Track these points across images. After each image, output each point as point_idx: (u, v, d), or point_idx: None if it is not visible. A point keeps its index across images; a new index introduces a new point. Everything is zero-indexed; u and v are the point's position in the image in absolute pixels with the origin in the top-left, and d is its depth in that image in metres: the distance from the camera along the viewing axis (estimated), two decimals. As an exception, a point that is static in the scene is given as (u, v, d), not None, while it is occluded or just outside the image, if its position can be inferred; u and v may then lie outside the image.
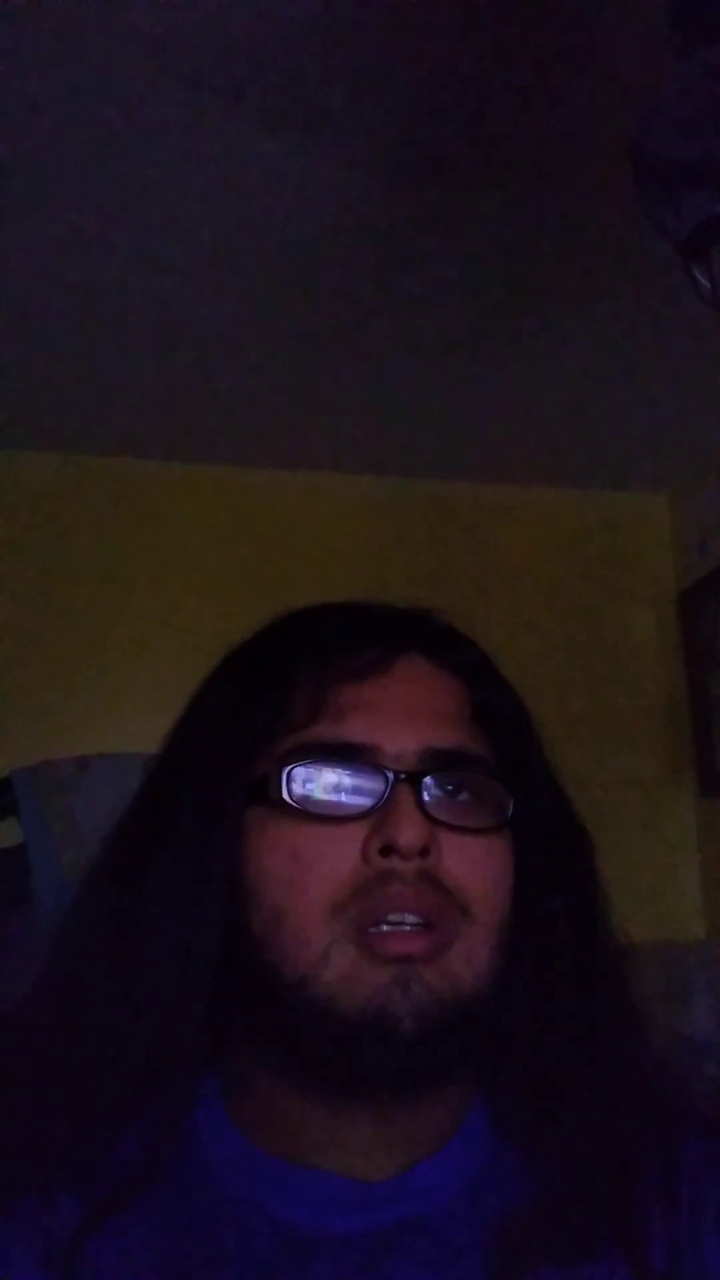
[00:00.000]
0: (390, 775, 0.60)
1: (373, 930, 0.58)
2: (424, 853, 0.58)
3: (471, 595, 1.99)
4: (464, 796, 0.62)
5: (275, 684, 0.64)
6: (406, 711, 0.63)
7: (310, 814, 0.60)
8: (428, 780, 0.60)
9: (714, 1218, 0.60)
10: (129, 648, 2.03)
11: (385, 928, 0.58)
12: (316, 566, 2.09)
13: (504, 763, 0.65)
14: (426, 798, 0.60)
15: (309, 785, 0.60)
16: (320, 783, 0.60)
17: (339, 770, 0.60)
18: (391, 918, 0.58)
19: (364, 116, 1.30)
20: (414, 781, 0.60)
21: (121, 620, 2.05)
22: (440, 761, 0.61)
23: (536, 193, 1.43)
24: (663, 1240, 0.60)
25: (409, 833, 0.58)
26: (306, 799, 0.60)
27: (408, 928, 0.58)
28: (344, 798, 0.60)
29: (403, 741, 0.61)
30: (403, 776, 0.60)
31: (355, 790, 0.60)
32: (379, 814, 0.59)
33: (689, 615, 2.24)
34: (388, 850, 0.58)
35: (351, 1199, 0.59)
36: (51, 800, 1.58)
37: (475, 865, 0.61)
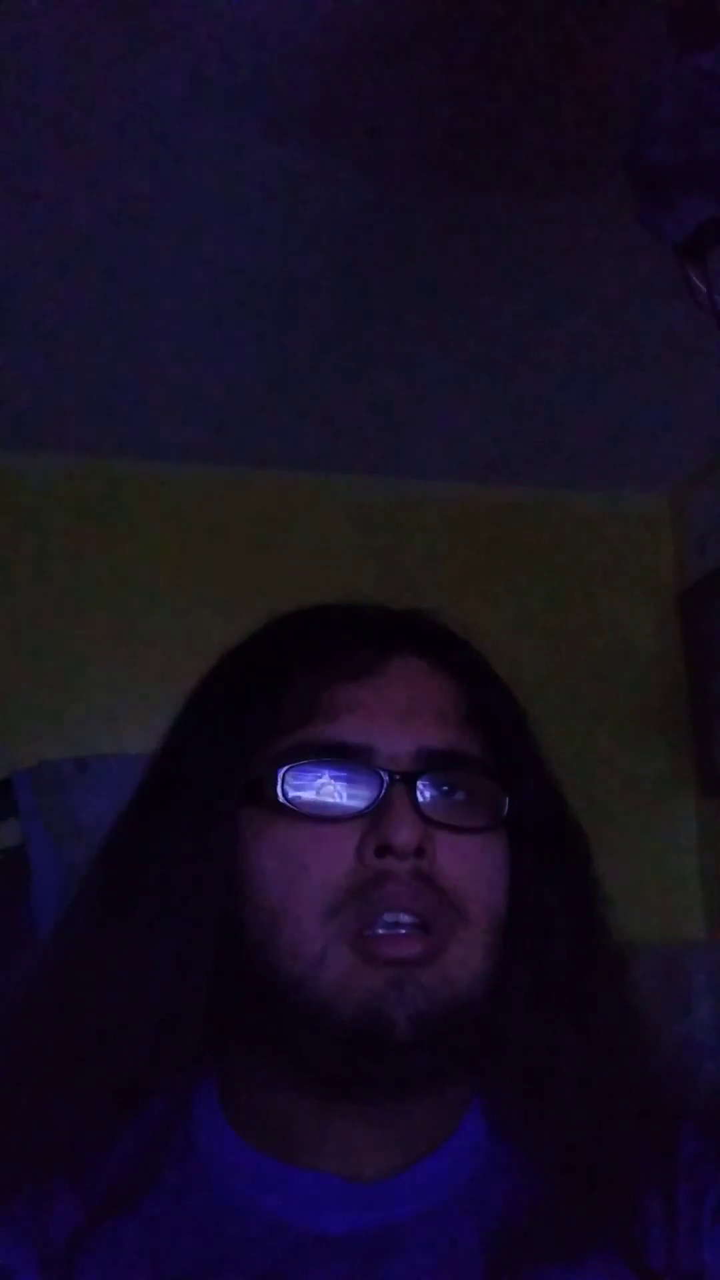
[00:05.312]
0: (385, 776, 0.60)
1: (368, 933, 0.58)
2: (419, 853, 0.58)
3: (471, 595, 1.98)
4: (459, 796, 0.62)
5: (270, 685, 0.64)
6: (401, 711, 0.63)
7: (305, 815, 0.60)
8: (422, 780, 0.60)
9: (711, 1215, 0.60)
10: (129, 648, 2.03)
11: (381, 930, 0.58)
12: (315, 567, 2.09)
13: (499, 762, 0.65)
14: (421, 798, 0.60)
15: (303, 786, 0.60)
16: (315, 784, 0.60)
17: (333, 771, 0.60)
18: (387, 918, 0.58)
19: (361, 117, 1.30)
20: (409, 782, 0.60)
21: (121, 621, 2.04)
22: (435, 761, 0.61)
23: (534, 193, 1.43)
24: (660, 1238, 0.60)
25: (404, 833, 0.58)
26: (301, 800, 0.60)
27: (403, 930, 0.58)
28: (339, 798, 0.60)
29: (397, 742, 0.61)
30: (397, 777, 0.60)
31: (350, 791, 0.60)
32: (374, 814, 0.59)
33: (689, 615, 2.24)
34: (383, 851, 0.58)
35: (349, 1199, 0.59)
36: (51, 801, 1.58)
37: (471, 865, 0.61)
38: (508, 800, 0.63)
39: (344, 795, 0.60)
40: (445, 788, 0.61)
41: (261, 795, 0.61)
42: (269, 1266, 0.57)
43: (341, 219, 1.48)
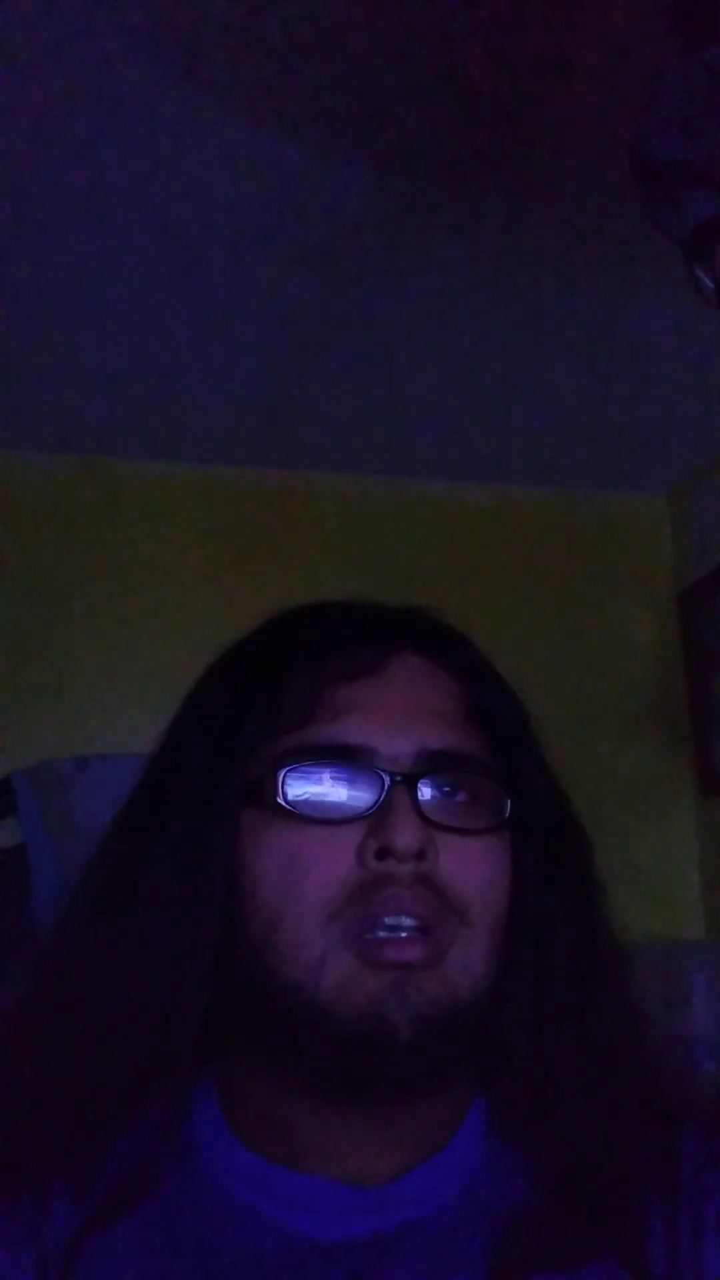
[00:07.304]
0: (386, 777, 0.59)
1: (369, 936, 0.57)
2: (420, 855, 0.58)
3: (471, 595, 1.98)
4: (461, 797, 0.61)
5: (268, 685, 0.63)
6: (402, 712, 0.62)
7: (305, 817, 0.59)
8: (424, 782, 0.60)
9: (714, 1219, 0.59)
10: (129, 647, 2.03)
11: (382, 933, 0.57)
12: (316, 566, 2.09)
13: (501, 763, 0.65)
14: (423, 799, 0.59)
15: (304, 788, 0.60)
16: (315, 785, 0.60)
17: (334, 772, 0.60)
18: (388, 921, 0.57)
19: (363, 114, 1.30)
20: (410, 783, 0.59)
21: (121, 620, 2.04)
22: (436, 762, 0.61)
23: (536, 191, 1.43)
24: (662, 1242, 0.59)
25: (405, 835, 0.58)
26: (301, 802, 0.59)
27: (404, 933, 0.57)
28: (339, 800, 0.60)
29: (398, 743, 0.61)
30: (398, 778, 0.59)
31: (350, 792, 0.60)
32: (375, 816, 0.59)
33: (689, 615, 2.23)
34: (384, 853, 0.58)
35: (349, 1204, 0.59)
36: (51, 800, 1.58)
37: (472, 867, 0.60)
38: (509, 801, 0.63)
39: (344, 797, 0.60)
40: (446, 789, 0.61)
41: (261, 797, 0.60)
42: (269, 1271, 0.57)
43: (341, 218, 1.48)
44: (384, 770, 0.60)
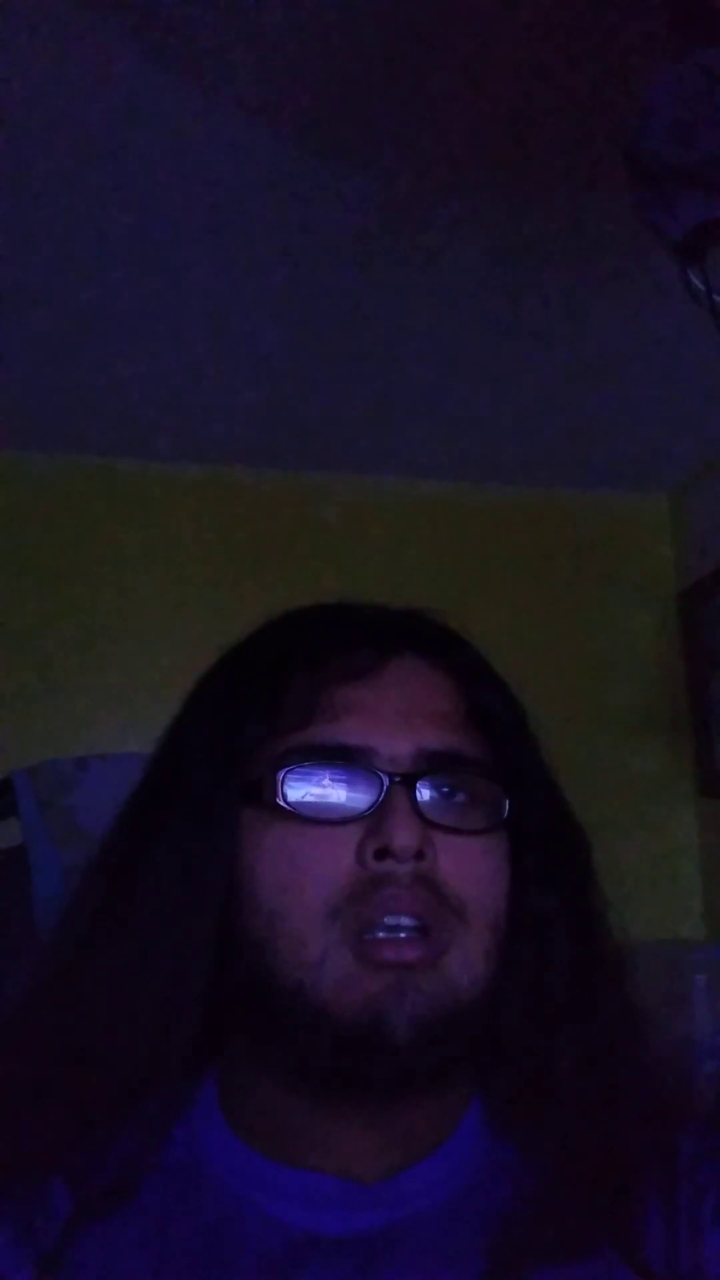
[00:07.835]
0: (385, 778, 0.60)
1: (368, 936, 0.57)
2: (419, 855, 0.58)
3: (471, 595, 1.98)
4: (459, 798, 0.62)
5: (268, 686, 0.64)
6: (401, 713, 0.63)
7: (305, 817, 0.59)
8: (422, 782, 0.60)
9: (711, 1214, 0.60)
10: (129, 647, 2.03)
11: (381, 934, 0.58)
12: (316, 566, 2.09)
13: (499, 763, 0.65)
14: (421, 799, 0.60)
15: (303, 788, 0.60)
16: (315, 786, 0.60)
17: (333, 773, 0.60)
18: (387, 921, 0.58)
19: (361, 118, 1.30)
20: (409, 784, 0.60)
21: (121, 620, 2.05)
22: (435, 763, 0.61)
23: (535, 192, 1.43)
24: (660, 1237, 0.60)
25: (404, 835, 0.58)
26: (301, 803, 0.60)
27: (403, 933, 0.58)
28: (339, 801, 0.60)
29: (397, 743, 0.61)
30: (397, 779, 0.60)
31: (350, 793, 0.60)
32: (374, 817, 0.59)
33: (689, 615, 2.24)
34: (383, 853, 0.58)
35: (347, 1200, 0.59)
36: (51, 800, 1.58)
37: (471, 867, 0.60)
38: (508, 801, 0.63)
39: (344, 797, 0.60)
40: (445, 789, 0.61)
41: (261, 797, 0.61)
42: (267, 1267, 0.57)
43: (341, 219, 1.48)
44: (383, 771, 0.60)
